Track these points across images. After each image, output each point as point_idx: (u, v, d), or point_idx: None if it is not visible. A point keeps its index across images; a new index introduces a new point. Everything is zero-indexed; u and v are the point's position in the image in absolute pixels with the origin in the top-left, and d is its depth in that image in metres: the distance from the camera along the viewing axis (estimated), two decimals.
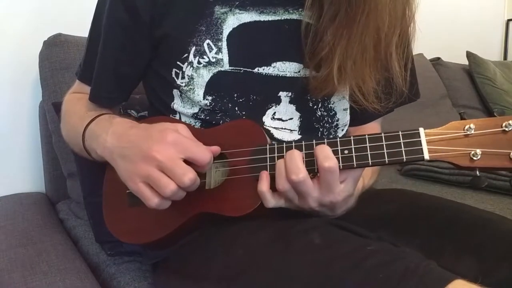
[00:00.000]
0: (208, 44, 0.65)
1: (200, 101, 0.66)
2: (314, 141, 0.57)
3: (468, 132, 0.52)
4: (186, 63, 0.66)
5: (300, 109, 0.68)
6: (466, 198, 1.19)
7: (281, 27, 0.66)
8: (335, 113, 0.71)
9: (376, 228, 0.62)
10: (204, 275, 0.59)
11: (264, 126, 0.67)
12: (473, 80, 2.22)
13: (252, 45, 0.66)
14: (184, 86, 0.67)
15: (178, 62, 0.66)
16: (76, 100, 0.76)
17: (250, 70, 0.66)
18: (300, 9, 0.66)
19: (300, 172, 0.54)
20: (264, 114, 0.67)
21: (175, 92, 0.69)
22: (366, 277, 0.46)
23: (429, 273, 0.45)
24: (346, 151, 0.55)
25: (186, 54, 0.65)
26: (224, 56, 0.65)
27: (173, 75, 0.67)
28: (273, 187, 0.57)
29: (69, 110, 0.77)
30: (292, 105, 0.68)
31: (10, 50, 1.16)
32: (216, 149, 0.59)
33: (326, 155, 0.54)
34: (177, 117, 0.70)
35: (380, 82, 0.67)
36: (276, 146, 0.59)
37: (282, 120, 0.68)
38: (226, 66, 0.65)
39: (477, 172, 0.52)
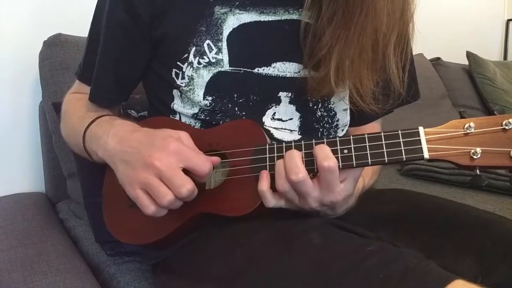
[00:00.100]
0: (208, 44, 0.65)
1: (200, 102, 0.66)
2: (313, 141, 0.57)
3: (468, 131, 0.51)
4: (186, 64, 0.66)
5: (300, 109, 0.68)
6: (466, 198, 1.19)
7: (281, 28, 0.66)
8: (335, 114, 0.71)
9: (376, 228, 0.62)
10: (204, 275, 0.59)
11: (264, 126, 0.67)
12: (473, 80, 2.22)
13: (252, 45, 0.66)
14: (184, 87, 0.67)
15: (178, 63, 0.66)
16: (76, 100, 0.76)
17: (250, 70, 0.66)
18: (300, 10, 0.66)
19: (300, 172, 0.54)
20: (264, 114, 0.67)
21: (175, 92, 0.69)
22: (366, 277, 0.46)
23: (429, 273, 0.45)
24: (345, 151, 0.55)
25: (186, 55, 0.65)
26: (224, 56, 0.65)
27: (173, 76, 0.67)
28: (273, 187, 0.57)
29: (69, 110, 0.77)
30: (292, 105, 0.68)
31: (10, 50, 1.16)
32: (216, 159, 0.59)
33: (325, 155, 0.54)
34: (177, 117, 0.70)
35: (378, 84, 0.66)
36: (275, 146, 0.59)
37: (282, 121, 0.68)
38: (226, 67, 0.65)
39: (477, 171, 0.52)
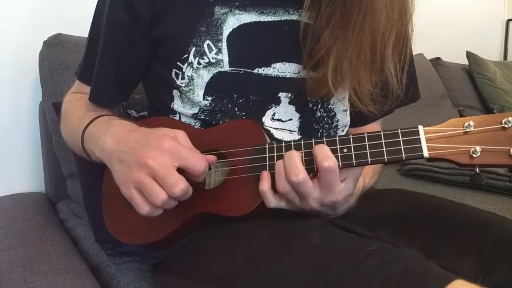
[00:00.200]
0: (208, 44, 0.65)
1: (200, 102, 0.66)
2: (313, 140, 0.57)
3: (468, 129, 0.51)
4: (186, 64, 0.66)
5: (299, 109, 0.68)
6: (466, 198, 1.19)
7: (281, 28, 0.66)
8: (335, 114, 0.71)
9: (376, 228, 0.62)
10: (204, 275, 0.59)
11: (264, 127, 0.67)
12: (473, 80, 2.22)
13: (252, 45, 0.66)
14: (184, 87, 0.67)
15: (178, 63, 0.66)
16: (76, 100, 0.76)
17: (250, 70, 0.66)
18: (300, 10, 0.66)
19: (300, 172, 0.54)
20: (263, 114, 0.67)
21: (175, 92, 0.69)
22: (366, 277, 0.46)
23: (429, 273, 0.45)
24: (345, 150, 0.55)
25: (186, 55, 0.65)
26: (224, 56, 0.65)
27: (173, 76, 0.67)
28: (274, 188, 0.57)
29: (68, 111, 0.77)
30: (291, 105, 0.68)
31: (10, 50, 1.16)
32: (212, 158, 0.58)
33: (325, 155, 0.54)
34: (177, 117, 0.70)
35: (376, 85, 0.66)
36: (275, 145, 0.59)
37: (282, 121, 0.68)
38: (226, 67, 0.65)
39: (477, 170, 0.52)
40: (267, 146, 0.59)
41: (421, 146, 0.52)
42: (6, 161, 1.18)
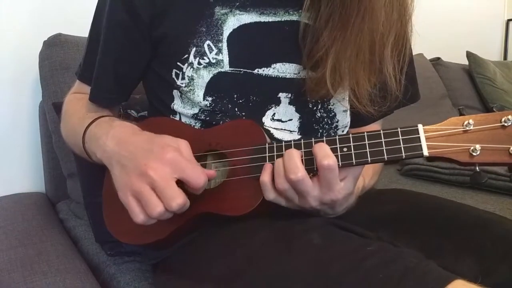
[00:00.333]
0: (208, 45, 0.65)
1: (200, 102, 0.66)
2: (313, 140, 0.57)
3: (467, 128, 0.51)
4: (186, 64, 0.66)
5: (299, 110, 0.68)
6: (466, 198, 1.19)
7: (281, 28, 0.66)
8: (335, 114, 0.71)
9: (376, 228, 0.62)
10: (204, 275, 0.59)
11: (264, 127, 0.67)
12: (473, 80, 2.22)
13: (252, 46, 0.66)
14: (184, 87, 0.67)
15: (178, 63, 0.66)
16: (76, 100, 0.76)
17: (250, 71, 0.66)
18: (300, 11, 0.66)
19: (299, 171, 0.54)
20: (263, 115, 0.67)
21: (175, 92, 0.69)
22: (366, 277, 0.46)
23: (429, 273, 0.45)
24: (345, 149, 0.55)
25: (186, 55, 0.65)
26: (225, 57, 0.65)
27: (173, 76, 0.67)
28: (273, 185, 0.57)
29: (69, 111, 0.77)
30: (291, 106, 0.68)
31: (10, 50, 1.16)
32: (212, 173, 0.58)
33: (325, 154, 0.54)
34: (177, 117, 0.70)
35: (375, 85, 0.66)
36: (275, 145, 0.59)
37: (282, 121, 0.68)
38: (226, 67, 0.65)
39: (477, 168, 0.52)
40: (267, 145, 0.59)
41: (420, 145, 0.52)
42: (6, 161, 1.18)
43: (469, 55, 2.22)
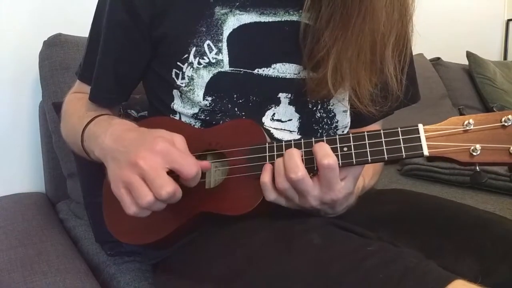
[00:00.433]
0: (208, 45, 0.65)
1: (200, 102, 0.66)
2: (313, 139, 0.57)
3: (468, 128, 0.51)
4: (186, 64, 0.66)
5: (299, 110, 0.68)
6: (466, 198, 1.19)
7: (281, 29, 0.66)
8: (335, 115, 0.71)
9: (376, 228, 0.62)
10: (204, 275, 0.59)
11: (264, 126, 0.67)
12: (473, 80, 2.22)
13: (252, 46, 0.66)
14: (184, 87, 0.67)
15: (178, 63, 0.66)
16: (76, 100, 0.77)
17: (250, 71, 0.66)
18: (300, 11, 0.66)
19: (299, 170, 0.54)
20: (263, 115, 0.67)
21: (175, 92, 0.69)
22: (366, 277, 0.46)
23: (429, 273, 0.45)
24: (345, 148, 0.55)
25: (186, 55, 0.66)
26: (224, 57, 0.65)
27: (173, 76, 0.67)
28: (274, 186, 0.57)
29: (69, 110, 0.77)
30: (291, 106, 0.68)
31: (10, 50, 1.16)
32: (206, 164, 0.57)
33: (325, 153, 0.54)
34: (177, 117, 0.70)
35: (376, 86, 0.66)
36: (275, 144, 0.59)
37: (281, 121, 0.68)
38: (226, 67, 0.65)
39: (477, 168, 0.52)
40: (267, 145, 0.59)
41: (421, 145, 0.52)
42: (6, 161, 1.18)
43: (469, 55, 2.22)
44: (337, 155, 0.54)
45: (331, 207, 0.58)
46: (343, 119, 0.73)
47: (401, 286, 0.44)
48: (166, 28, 0.66)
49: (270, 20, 0.66)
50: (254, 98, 0.67)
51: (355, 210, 0.63)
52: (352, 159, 0.55)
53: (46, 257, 0.78)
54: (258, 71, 0.66)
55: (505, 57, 2.79)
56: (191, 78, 0.66)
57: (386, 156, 0.54)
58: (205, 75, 0.66)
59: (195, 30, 0.65)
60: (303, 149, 0.56)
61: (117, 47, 0.69)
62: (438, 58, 2.22)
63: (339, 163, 0.54)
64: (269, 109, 0.67)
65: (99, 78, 0.71)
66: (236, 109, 0.66)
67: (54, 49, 1.09)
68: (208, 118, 0.67)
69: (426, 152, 0.52)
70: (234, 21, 0.65)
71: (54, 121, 1.07)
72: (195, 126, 0.68)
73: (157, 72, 0.70)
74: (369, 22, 0.60)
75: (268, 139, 0.61)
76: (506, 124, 0.50)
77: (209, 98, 0.66)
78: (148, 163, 0.52)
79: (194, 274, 0.61)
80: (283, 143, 0.58)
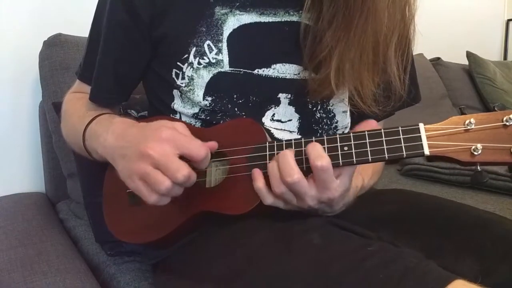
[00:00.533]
0: (208, 45, 0.65)
1: (200, 102, 0.66)
2: (313, 139, 0.57)
3: (469, 127, 0.51)
4: (186, 64, 0.66)
5: (299, 110, 0.68)
6: (466, 198, 1.19)
7: (281, 29, 0.66)
8: (334, 115, 0.71)
9: (376, 228, 0.61)
10: (204, 275, 0.59)
11: (264, 126, 0.67)
12: (473, 80, 2.22)
13: (252, 46, 0.66)
14: (184, 87, 0.67)
15: (178, 63, 0.66)
16: (76, 99, 0.77)
17: (250, 71, 0.66)
18: (300, 11, 0.66)
19: (294, 173, 0.54)
20: (263, 115, 0.67)
21: (175, 92, 0.69)
22: (366, 277, 0.46)
23: (429, 273, 0.45)
24: (345, 148, 0.55)
25: (186, 55, 0.66)
26: (224, 57, 0.65)
27: (173, 76, 0.67)
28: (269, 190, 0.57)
29: (69, 110, 0.77)
30: (291, 106, 0.68)
31: (10, 50, 1.16)
32: (213, 144, 0.59)
33: (317, 154, 0.53)
34: (178, 117, 0.70)
35: (379, 85, 0.66)
36: (275, 143, 0.59)
37: (281, 122, 0.68)
38: (226, 67, 0.65)
39: (478, 167, 0.52)
40: (267, 144, 0.59)
41: (421, 144, 0.52)
42: (6, 161, 1.18)
43: (469, 55, 2.22)
44: (337, 155, 0.54)
45: (328, 205, 0.58)
46: (343, 120, 0.73)
47: (401, 286, 0.44)
48: (166, 28, 0.66)
49: (270, 20, 0.66)
50: (254, 98, 0.67)
51: (355, 210, 0.63)
52: (353, 158, 0.54)
53: (46, 257, 0.78)
54: (258, 71, 0.66)
55: (505, 57, 2.79)
56: (191, 78, 0.66)
57: (386, 155, 0.53)
58: (205, 75, 0.66)
59: (195, 30, 0.65)
60: (303, 149, 0.56)
61: (117, 47, 0.69)
62: (438, 58, 2.22)
63: (339, 163, 0.54)
64: (269, 109, 0.67)
65: (99, 78, 0.71)
66: (236, 109, 0.66)
67: (54, 49, 1.09)
68: (208, 118, 0.67)
69: (427, 151, 0.52)
70: (234, 21, 0.65)
71: (54, 121, 1.06)
72: (196, 126, 0.68)
73: (157, 72, 0.70)
74: (371, 23, 0.60)
75: (269, 138, 0.61)
76: (507, 123, 0.50)
77: (209, 98, 0.66)
78: (158, 152, 0.53)
79: (194, 274, 0.61)
80: (284, 143, 0.58)
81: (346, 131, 0.74)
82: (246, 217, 0.58)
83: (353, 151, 0.54)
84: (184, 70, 0.66)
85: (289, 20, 0.66)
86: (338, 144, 0.55)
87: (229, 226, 0.60)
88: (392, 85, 0.66)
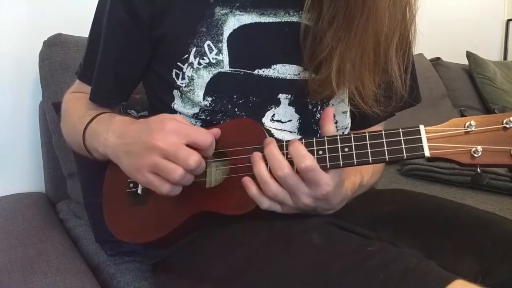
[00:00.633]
0: (208, 45, 0.65)
1: (200, 102, 0.66)
2: (314, 139, 0.57)
3: (469, 129, 0.51)
4: (186, 64, 0.66)
5: (299, 111, 0.68)
6: (466, 198, 1.19)
7: (281, 29, 0.66)
8: (334, 116, 0.71)
9: (376, 228, 0.61)
10: (204, 275, 0.59)
11: (265, 127, 0.67)
12: (473, 80, 2.22)
13: (252, 46, 0.66)
14: (184, 87, 0.67)
15: (178, 63, 0.66)
16: (76, 99, 0.77)
17: (250, 71, 0.66)
18: (300, 12, 0.66)
19: (284, 167, 0.54)
20: (263, 115, 0.67)
21: (175, 92, 0.69)
22: (366, 277, 0.46)
23: (429, 273, 0.45)
24: (346, 149, 0.55)
25: (187, 55, 0.66)
26: (225, 57, 0.65)
27: (173, 76, 0.67)
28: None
29: (69, 109, 0.77)
30: (291, 107, 0.68)
31: (10, 50, 1.16)
32: (217, 131, 0.59)
33: (301, 155, 0.53)
34: None
35: (380, 86, 0.66)
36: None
37: (281, 122, 0.68)
38: (226, 68, 0.65)
39: (478, 169, 0.52)
40: None
41: (422, 146, 0.52)
42: (6, 161, 1.18)
43: (469, 55, 2.22)
44: (338, 156, 0.54)
45: (325, 201, 0.57)
46: (343, 120, 0.73)
47: (401, 286, 0.44)
48: (166, 28, 0.66)
49: (270, 20, 0.66)
50: (254, 98, 0.67)
51: (355, 210, 0.63)
52: (353, 159, 0.55)
53: (46, 257, 0.78)
54: (258, 71, 0.66)
55: (505, 57, 2.79)
56: (191, 78, 0.66)
57: (387, 156, 0.54)
58: (205, 76, 0.66)
59: (195, 30, 0.65)
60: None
61: (117, 47, 0.69)
62: (438, 58, 2.22)
63: (340, 164, 0.54)
64: (269, 109, 0.67)
65: (99, 78, 0.71)
66: (236, 109, 0.66)
67: (54, 49, 1.09)
68: (208, 118, 0.67)
69: (427, 153, 0.52)
70: (234, 21, 0.65)
71: (54, 121, 1.07)
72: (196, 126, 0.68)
73: (157, 72, 0.70)
74: (372, 23, 0.60)
75: None
76: (507, 126, 0.50)
77: (209, 99, 0.66)
78: (166, 142, 0.54)
79: (194, 274, 0.61)
80: (284, 143, 0.58)
81: (346, 131, 0.74)
82: (246, 217, 0.58)
83: (354, 152, 0.55)
84: (184, 70, 0.66)
85: (289, 20, 0.66)
86: (339, 145, 0.55)
87: (229, 226, 0.60)
88: (393, 85, 0.66)
